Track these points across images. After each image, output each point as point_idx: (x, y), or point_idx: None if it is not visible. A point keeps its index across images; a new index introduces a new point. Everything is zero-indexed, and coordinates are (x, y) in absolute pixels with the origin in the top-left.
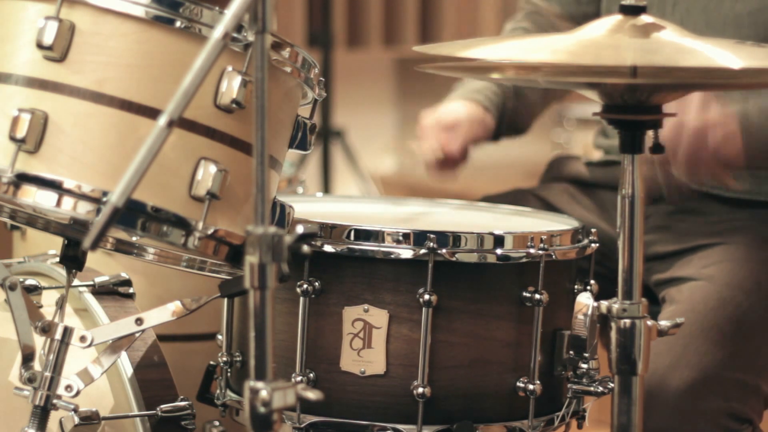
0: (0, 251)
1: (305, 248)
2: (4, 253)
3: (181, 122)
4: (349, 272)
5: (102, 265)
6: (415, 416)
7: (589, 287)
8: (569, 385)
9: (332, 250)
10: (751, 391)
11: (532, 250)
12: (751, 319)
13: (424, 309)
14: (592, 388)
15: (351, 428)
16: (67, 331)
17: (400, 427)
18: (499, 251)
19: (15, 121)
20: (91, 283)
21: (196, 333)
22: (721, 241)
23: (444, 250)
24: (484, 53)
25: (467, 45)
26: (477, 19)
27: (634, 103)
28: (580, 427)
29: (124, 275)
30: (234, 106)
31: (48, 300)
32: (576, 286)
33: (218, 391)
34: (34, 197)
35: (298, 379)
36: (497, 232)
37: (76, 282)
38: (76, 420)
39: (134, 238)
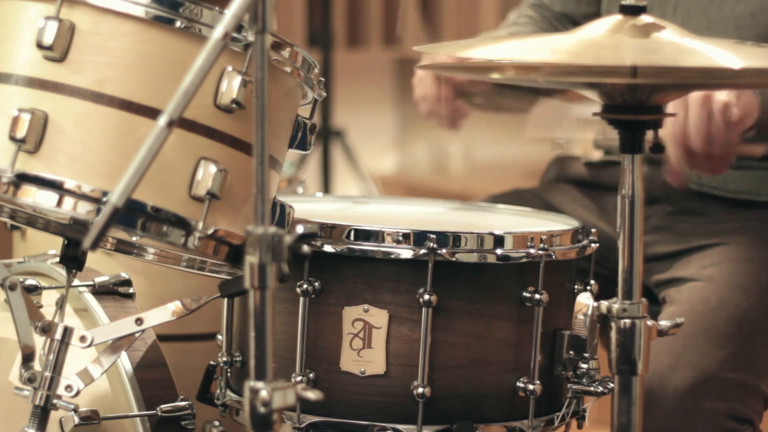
0: (0, 251)
1: (305, 248)
2: (4, 253)
3: (181, 122)
4: (349, 272)
5: (102, 265)
6: (415, 416)
7: (589, 287)
8: (569, 385)
9: (332, 250)
10: (751, 392)
11: (532, 250)
12: (751, 320)
13: (424, 309)
14: (592, 388)
15: (351, 428)
16: (67, 331)
17: (400, 427)
18: (499, 251)
19: (15, 121)
20: (91, 283)
21: (196, 333)
22: (721, 242)
23: (444, 250)
24: (484, 53)
25: (467, 45)
26: (477, 19)
27: (634, 103)
28: (580, 427)
29: (124, 275)
30: (234, 106)
31: (48, 300)
32: (576, 286)
33: (218, 391)
34: (34, 197)
35: (298, 379)
36: (497, 232)
37: (76, 282)
38: (76, 420)
39: (134, 238)
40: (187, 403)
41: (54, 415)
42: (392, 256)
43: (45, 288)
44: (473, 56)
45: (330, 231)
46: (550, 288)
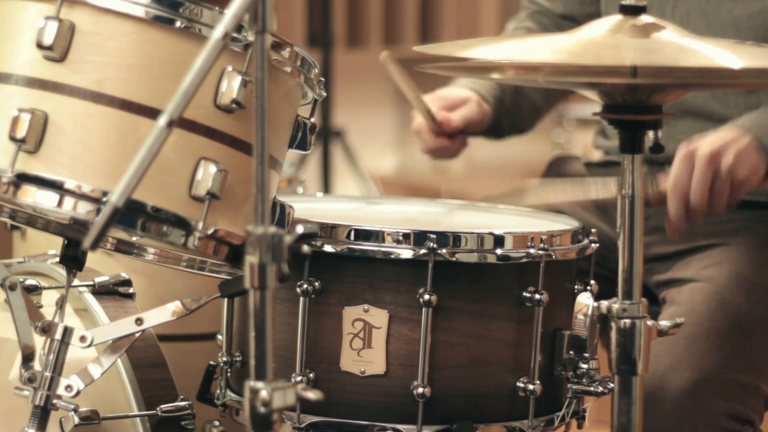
0: (0, 251)
1: (305, 248)
2: (4, 253)
3: (181, 122)
4: (349, 272)
5: (102, 265)
6: (415, 416)
7: (589, 287)
8: (569, 385)
9: (332, 250)
10: (752, 392)
11: (532, 250)
12: (751, 320)
13: (424, 309)
14: (592, 388)
15: (351, 428)
16: (67, 331)
17: (400, 427)
18: (499, 251)
19: (15, 121)
20: (91, 283)
21: (196, 333)
22: (721, 242)
23: (444, 250)
24: (484, 53)
25: (467, 45)
26: (477, 19)
27: (634, 103)
28: (580, 427)
29: (124, 275)
30: (234, 106)
31: (48, 300)
32: (576, 286)
33: (218, 391)
34: (34, 197)
35: (298, 379)
36: (497, 232)
37: (76, 282)
38: (76, 420)
39: (134, 238)
40: (187, 403)
41: (54, 415)
42: (392, 256)
43: (45, 288)
44: (473, 56)
45: (330, 231)
46: (550, 288)
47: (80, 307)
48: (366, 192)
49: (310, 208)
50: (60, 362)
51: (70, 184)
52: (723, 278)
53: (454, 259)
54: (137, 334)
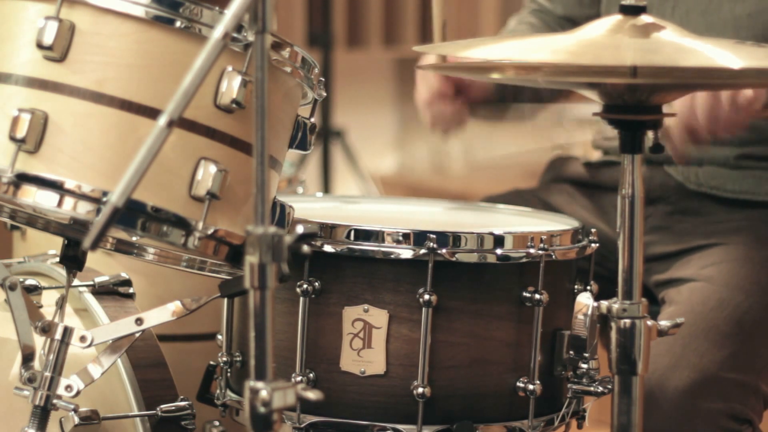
0: (0, 251)
1: (305, 248)
2: (4, 253)
3: (181, 122)
4: (349, 272)
5: (102, 265)
6: (415, 416)
7: (589, 287)
8: (569, 385)
9: (332, 250)
10: (751, 392)
11: (532, 250)
12: (750, 320)
13: (424, 309)
14: (592, 388)
15: (351, 428)
16: (67, 331)
17: (400, 427)
18: (499, 251)
19: (15, 121)
20: (91, 283)
21: (196, 333)
22: (720, 242)
23: (444, 250)
24: (484, 53)
25: (467, 45)
26: (477, 19)
27: (634, 103)
28: (580, 427)
29: (124, 275)
30: (234, 106)
31: (48, 300)
32: (576, 286)
33: (218, 391)
34: (34, 197)
35: (298, 379)
36: (497, 232)
37: (76, 282)
38: (76, 420)
39: (134, 238)
40: (187, 403)
41: (54, 415)
42: (392, 256)
43: (45, 288)
44: (473, 56)
45: (330, 231)
46: (550, 288)
47: (80, 307)
48: (366, 192)
49: (310, 208)
50: (60, 362)
51: (70, 184)
52: (722, 278)
53: (454, 259)
54: (137, 334)
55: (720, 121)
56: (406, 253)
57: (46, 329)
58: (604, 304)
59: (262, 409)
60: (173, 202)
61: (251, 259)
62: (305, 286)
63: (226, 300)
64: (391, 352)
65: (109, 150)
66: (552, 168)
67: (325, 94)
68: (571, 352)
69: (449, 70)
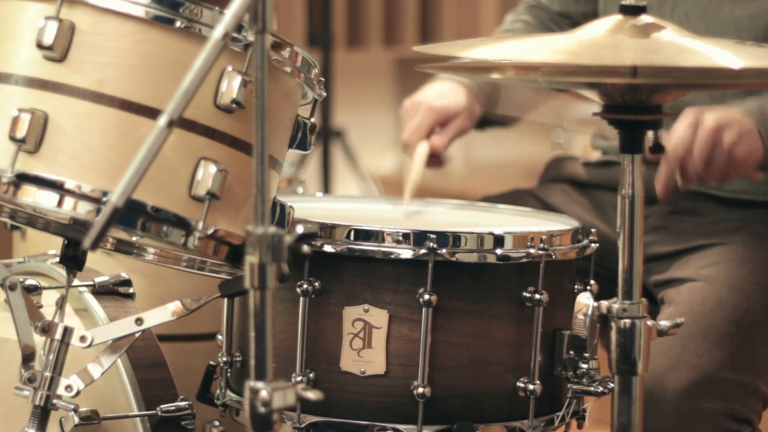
0: (0, 251)
1: (305, 248)
2: (4, 253)
3: (181, 122)
4: (349, 272)
5: (102, 265)
6: (415, 416)
7: (589, 287)
8: (569, 385)
9: (332, 250)
10: (750, 392)
11: (532, 250)
12: (749, 320)
13: (424, 309)
14: (592, 388)
15: (351, 428)
16: (67, 331)
17: (400, 427)
18: (499, 251)
19: (15, 121)
20: (91, 283)
21: (196, 333)
22: (719, 242)
23: (444, 250)
24: (484, 53)
25: (467, 45)
26: (477, 19)
27: (634, 103)
28: (580, 427)
29: (124, 275)
30: (234, 106)
31: (48, 300)
32: (576, 286)
33: (218, 391)
34: (34, 197)
35: (298, 379)
36: (497, 232)
37: (76, 282)
38: (76, 420)
39: (134, 238)
40: (187, 403)
41: (54, 415)
42: (392, 256)
43: (45, 288)
44: (473, 56)
45: (330, 231)
46: (550, 288)
47: (80, 307)
48: (366, 192)
49: (310, 208)
50: (60, 362)
51: (70, 184)
52: (721, 278)
53: (454, 259)
54: (137, 334)
55: (712, 168)
56: (406, 253)
57: (46, 329)
58: (604, 304)
59: (262, 409)
60: (173, 202)
61: (251, 259)
62: (305, 286)
63: (226, 300)
64: (391, 352)
65: (109, 150)
66: (551, 168)
67: (325, 94)
68: (571, 352)
69: (449, 70)
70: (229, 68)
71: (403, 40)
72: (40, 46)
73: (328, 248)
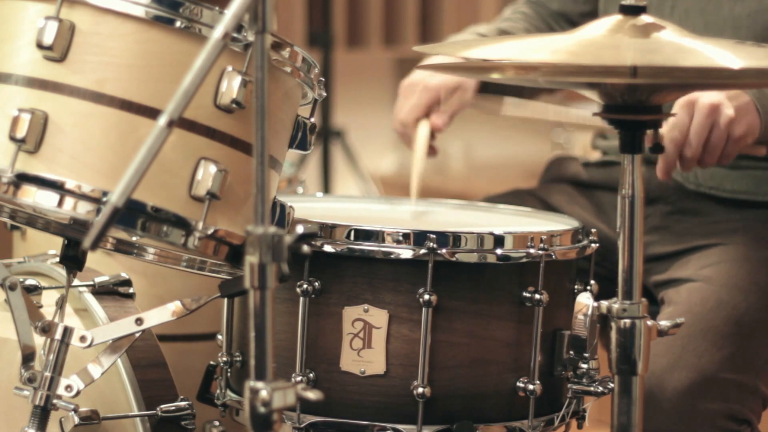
0: (0, 251)
1: (305, 248)
2: (4, 253)
3: (181, 122)
4: (349, 272)
5: (102, 265)
6: (415, 416)
7: (589, 287)
8: (569, 385)
9: (332, 250)
10: (750, 392)
11: (532, 250)
12: (749, 320)
13: (424, 309)
14: (592, 388)
15: (351, 428)
16: (67, 331)
17: (400, 427)
18: (499, 251)
19: (15, 121)
20: (91, 283)
21: (196, 333)
22: (719, 242)
23: (444, 250)
24: (484, 53)
25: (467, 45)
26: (477, 19)
27: (634, 103)
28: (580, 427)
29: (124, 275)
30: (234, 106)
31: (48, 300)
32: (576, 286)
33: (218, 391)
34: (34, 197)
35: (298, 379)
36: (497, 232)
37: (76, 282)
38: (76, 420)
39: (134, 238)
40: (187, 403)
41: (54, 415)
42: (392, 256)
43: (45, 288)
44: (473, 56)
45: (330, 231)
46: (550, 288)
47: (80, 307)
48: (366, 192)
49: (310, 208)
50: (60, 362)
51: (70, 184)
52: (721, 278)
53: (454, 259)
54: (137, 334)
55: (711, 150)
56: (406, 253)
57: (46, 329)
58: (604, 304)
59: (262, 409)
60: (173, 202)
61: (251, 259)
62: (305, 286)
63: (226, 300)
64: (391, 352)
65: (109, 150)
66: (552, 168)
67: (325, 94)
68: (571, 352)
69: (449, 70)
70: (229, 68)
71: (403, 40)
72: (40, 46)
73: (328, 248)
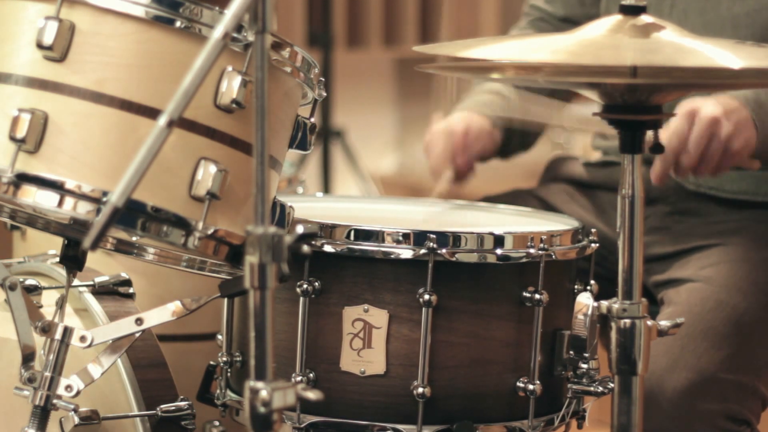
0: (0, 251)
1: (305, 248)
2: (4, 253)
3: (181, 122)
4: (349, 272)
5: (102, 265)
6: (415, 416)
7: (589, 287)
8: (569, 385)
9: (332, 250)
10: (749, 393)
11: (532, 250)
12: (748, 321)
13: (424, 309)
14: (592, 388)
15: (351, 428)
16: (67, 331)
17: (400, 427)
18: (499, 251)
19: (15, 121)
20: (91, 283)
21: (196, 333)
22: (718, 242)
23: (444, 250)
24: (484, 53)
25: (467, 45)
26: (477, 19)
27: (634, 103)
28: (580, 427)
29: (124, 275)
30: (234, 106)
31: (48, 300)
32: (576, 286)
33: (218, 391)
34: (34, 197)
35: (298, 379)
36: (497, 232)
37: (76, 282)
38: (76, 420)
39: (134, 238)
40: (187, 403)
41: (54, 415)
42: (392, 256)
43: (45, 288)
44: (473, 56)
45: (330, 231)
46: (550, 288)
47: (80, 307)
48: (366, 192)
49: (310, 208)
50: (60, 362)
51: (70, 184)
52: (721, 278)
53: (454, 259)
54: (137, 334)
55: (707, 160)
56: (406, 253)
57: (46, 329)
58: (604, 304)
59: (262, 409)
60: (173, 202)
61: (251, 259)
62: (305, 286)
63: (226, 300)
64: (391, 352)
65: (109, 150)
66: (552, 168)
67: (325, 94)
68: (571, 352)
69: (449, 70)
70: (229, 68)
71: (403, 40)
72: (40, 46)
73: (328, 248)
